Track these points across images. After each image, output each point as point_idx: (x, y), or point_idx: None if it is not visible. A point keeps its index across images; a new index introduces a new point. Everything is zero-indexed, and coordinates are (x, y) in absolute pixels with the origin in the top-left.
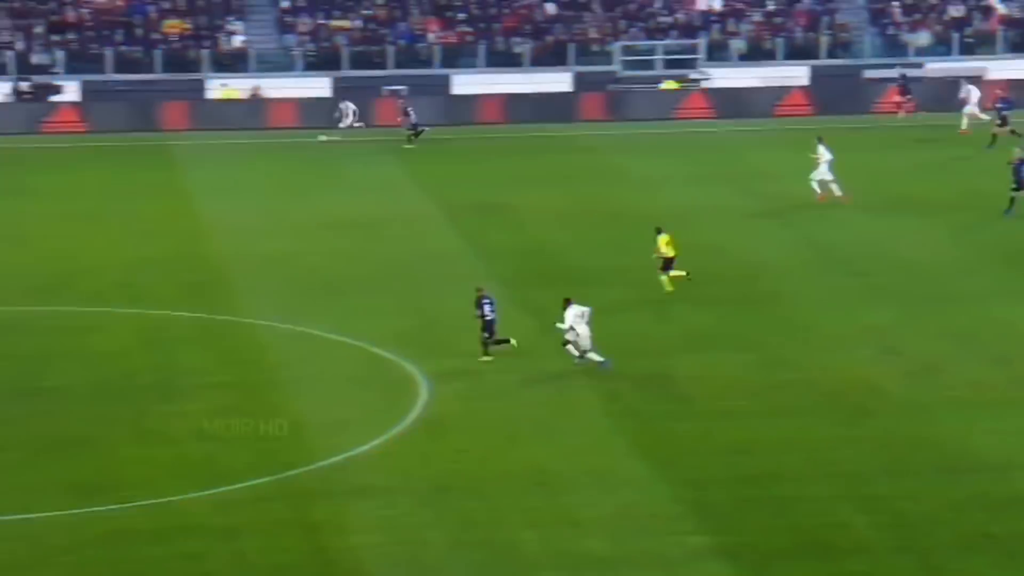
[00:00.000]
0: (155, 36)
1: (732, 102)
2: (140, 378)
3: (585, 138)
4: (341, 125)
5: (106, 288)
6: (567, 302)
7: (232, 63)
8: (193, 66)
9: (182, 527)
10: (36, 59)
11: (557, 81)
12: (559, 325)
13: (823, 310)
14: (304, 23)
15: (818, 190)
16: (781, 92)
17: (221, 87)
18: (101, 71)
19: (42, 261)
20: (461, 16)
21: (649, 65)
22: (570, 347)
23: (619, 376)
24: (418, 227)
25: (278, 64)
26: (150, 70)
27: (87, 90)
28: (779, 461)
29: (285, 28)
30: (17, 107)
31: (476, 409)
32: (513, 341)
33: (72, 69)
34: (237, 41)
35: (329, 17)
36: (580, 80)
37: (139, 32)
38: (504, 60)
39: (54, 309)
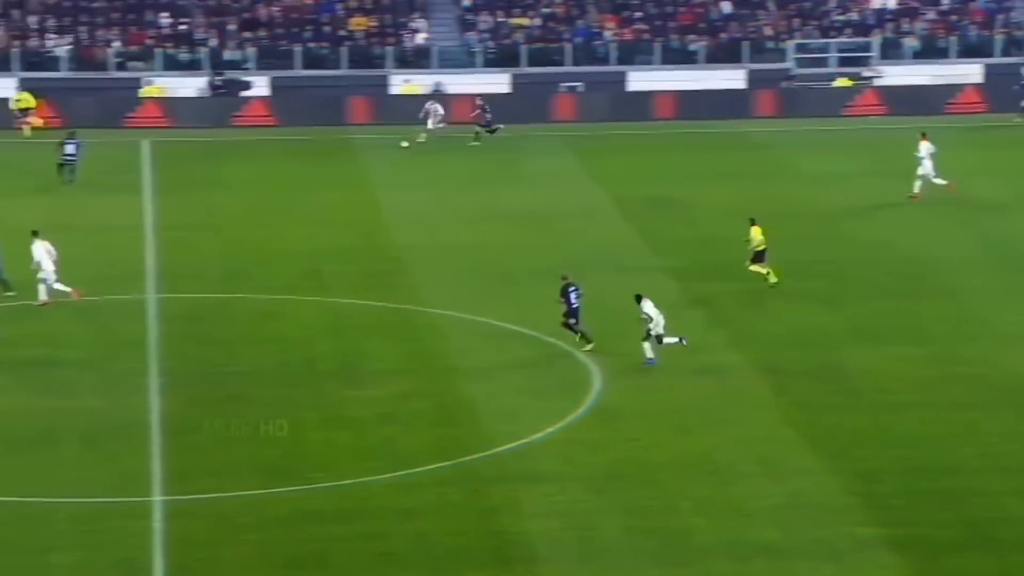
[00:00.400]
0: (341, 33)
1: (905, 99)
2: (324, 364)
3: (758, 134)
4: (428, 125)
5: (292, 276)
6: (639, 298)
7: (415, 60)
8: (377, 62)
9: (364, 508)
10: (229, 55)
11: (731, 78)
12: (649, 322)
13: (995, 306)
14: (485, 20)
15: (916, 190)
16: (954, 90)
17: (404, 83)
18: (290, 67)
19: (233, 249)
20: (637, 14)
21: (822, 63)
22: (647, 344)
23: (788, 368)
24: (593, 220)
25: (459, 61)
26: (336, 66)
27: (276, 85)
28: (950, 455)
29: (466, 26)
30: (210, 101)
31: (647, 398)
32: (591, 345)
33: (262, 65)
34: (420, 38)
35: (509, 15)
36: (754, 77)
37: (326, 29)
38: (679, 57)
39: (243, 296)
